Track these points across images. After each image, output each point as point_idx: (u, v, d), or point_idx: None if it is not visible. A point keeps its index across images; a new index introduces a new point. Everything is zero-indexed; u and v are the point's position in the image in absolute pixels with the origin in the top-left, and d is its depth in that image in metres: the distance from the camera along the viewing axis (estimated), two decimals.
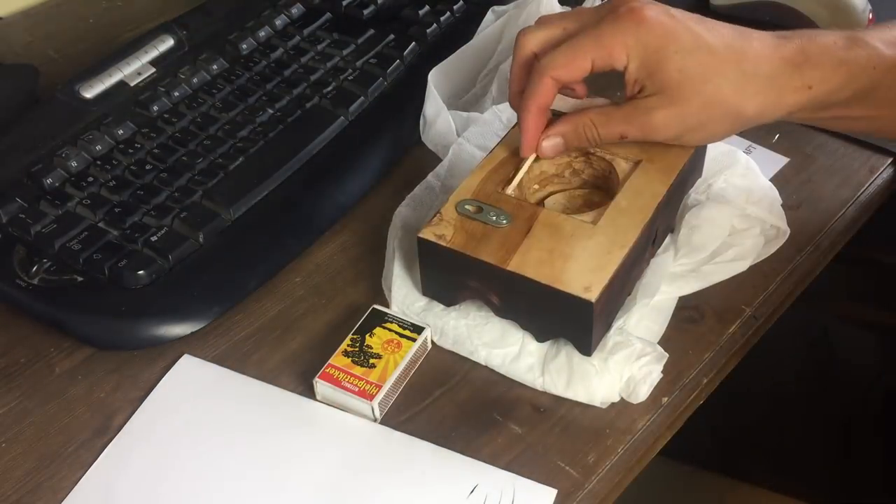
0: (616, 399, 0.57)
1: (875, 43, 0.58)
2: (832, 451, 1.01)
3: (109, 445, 0.56)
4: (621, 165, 0.61)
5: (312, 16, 0.83)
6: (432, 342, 0.61)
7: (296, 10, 0.83)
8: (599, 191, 0.63)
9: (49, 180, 0.67)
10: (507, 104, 0.71)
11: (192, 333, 0.61)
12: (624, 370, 0.56)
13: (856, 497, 0.95)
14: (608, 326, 0.58)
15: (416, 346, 0.59)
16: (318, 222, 0.69)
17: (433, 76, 0.74)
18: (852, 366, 1.06)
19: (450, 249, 0.57)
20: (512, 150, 0.62)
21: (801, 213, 0.68)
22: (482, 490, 0.53)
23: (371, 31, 0.81)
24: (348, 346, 0.58)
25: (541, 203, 0.62)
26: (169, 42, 0.79)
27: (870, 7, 0.81)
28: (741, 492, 0.98)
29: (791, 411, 1.00)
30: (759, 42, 0.57)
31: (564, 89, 0.60)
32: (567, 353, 0.57)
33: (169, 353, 0.61)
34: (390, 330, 0.59)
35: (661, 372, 0.57)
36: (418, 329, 0.59)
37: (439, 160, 0.70)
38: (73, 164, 0.68)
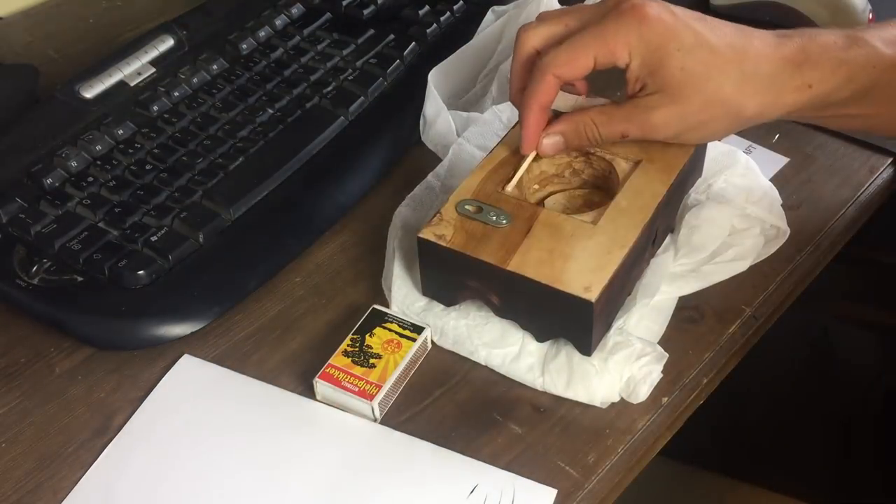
0: (616, 399, 0.57)
1: (874, 42, 0.58)
2: (832, 451, 1.01)
3: (109, 445, 0.56)
4: (621, 165, 0.61)
5: (312, 16, 0.83)
6: (432, 342, 0.61)
7: (296, 10, 0.83)
8: (599, 191, 0.63)
9: (49, 180, 0.67)
10: (508, 104, 0.71)
11: (192, 333, 0.61)
12: (624, 370, 0.56)
13: (856, 497, 0.95)
14: (608, 326, 0.58)
15: (416, 346, 0.59)
16: (318, 222, 0.69)
17: (433, 76, 0.74)
18: (852, 366, 1.05)
19: (450, 249, 0.57)
20: (512, 150, 0.62)
21: (801, 213, 0.68)
22: (482, 490, 0.53)
23: (371, 31, 0.81)
24: (348, 346, 0.58)
25: (541, 203, 0.62)
26: (169, 42, 0.79)
27: (870, 7, 0.81)
28: (741, 492, 0.98)
29: (791, 411, 1.00)
30: (759, 41, 0.57)
31: (565, 86, 0.60)
32: (567, 353, 0.57)
33: (169, 353, 0.61)
34: (390, 330, 0.59)
35: (661, 372, 0.57)
36: (418, 329, 0.59)
37: (439, 160, 0.70)
38: (73, 164, 0.68)
